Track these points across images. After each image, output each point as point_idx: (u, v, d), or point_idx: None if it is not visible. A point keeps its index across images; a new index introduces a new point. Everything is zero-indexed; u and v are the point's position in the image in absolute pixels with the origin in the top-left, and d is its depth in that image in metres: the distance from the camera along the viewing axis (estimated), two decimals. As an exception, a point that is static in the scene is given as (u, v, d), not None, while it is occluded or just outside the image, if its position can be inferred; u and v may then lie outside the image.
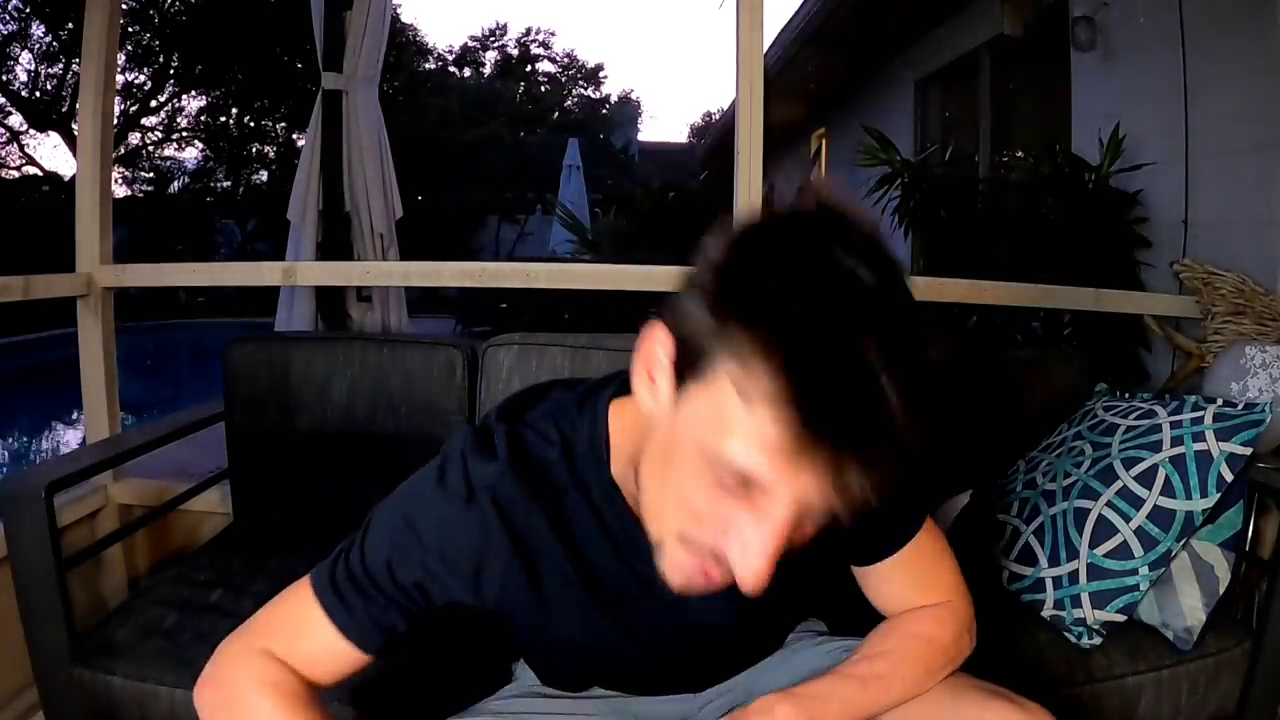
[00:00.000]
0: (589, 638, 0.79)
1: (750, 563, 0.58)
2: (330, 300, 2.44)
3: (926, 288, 2.13)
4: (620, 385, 0.74)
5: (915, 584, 0.85)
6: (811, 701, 0.76)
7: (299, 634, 0.74)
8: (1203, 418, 1.26)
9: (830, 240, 0.56)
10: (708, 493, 0.59)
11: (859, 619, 0.90)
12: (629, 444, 0.70)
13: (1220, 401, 1.28)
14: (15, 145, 11.08)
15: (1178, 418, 1.28)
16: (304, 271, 2.15)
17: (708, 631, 0.81)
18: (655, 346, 0.61)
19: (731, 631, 0.84)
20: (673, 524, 0.62)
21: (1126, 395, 1.49)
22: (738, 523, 0.58)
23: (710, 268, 0.57)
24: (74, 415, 5.27)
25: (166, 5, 11.42)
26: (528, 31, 18.93)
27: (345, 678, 0.76)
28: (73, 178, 2.14)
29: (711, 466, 0.57)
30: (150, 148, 12.53)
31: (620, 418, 0.73)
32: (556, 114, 18.54)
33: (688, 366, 0.58)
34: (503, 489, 0.71)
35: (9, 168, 11.07)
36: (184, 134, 12.69)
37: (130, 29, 10.84)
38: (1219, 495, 1.21)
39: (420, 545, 0.71)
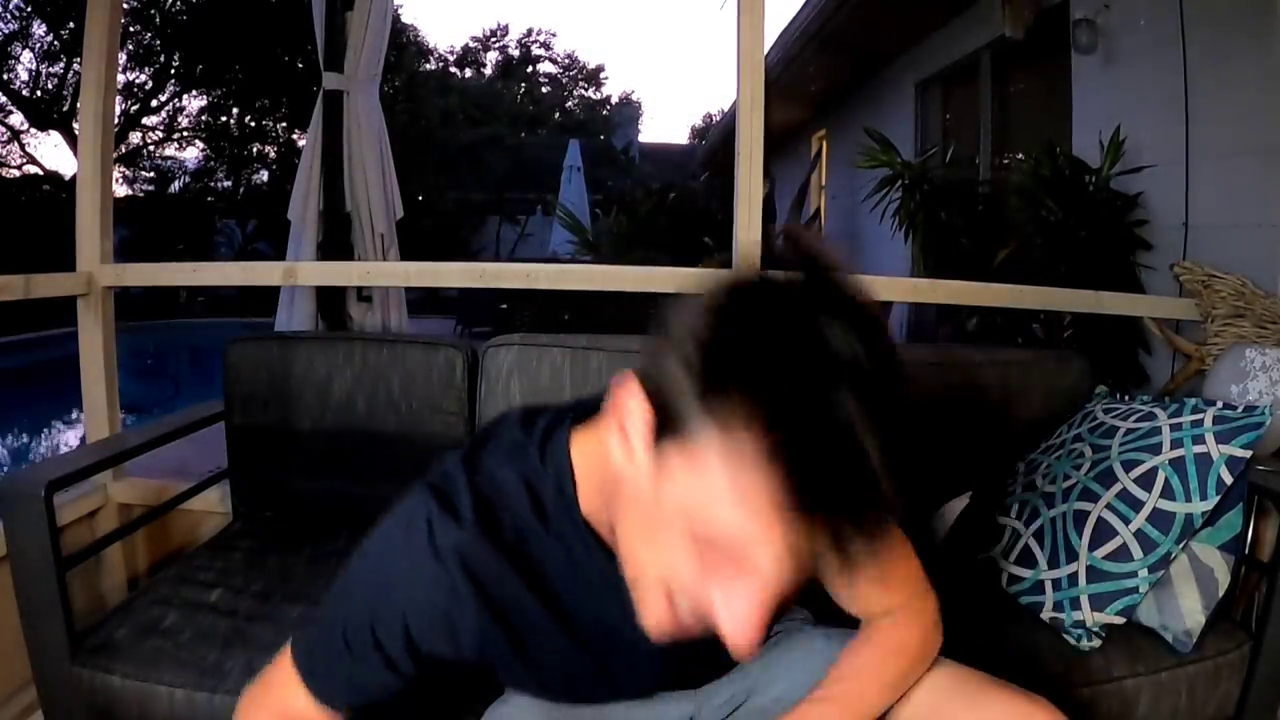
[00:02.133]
0: (574, 675, 0.81)
1: (741, 631, 0.57)
2: (330, 300, 2.44)
3: (927, 289, 2.14)
4: (576, 414, 0.73)
5: (878, 582, 0.86)
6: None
7: (286, 697, 0.77)
8: (1203, 420, 1.26)
9: (816, 307, 0.54)
10: (694, 565, 0.57)
11: (845, 622, 0.91)
12: (596, 477, 0.69)
13: (1220, 404, 1.28)
14: (16, 144, 11.10)
15: (1177, 420, 1.28)
16: (304, 271, 2.16)
17: (695, 650, 0.74)
18: (631, 404, 0.59)
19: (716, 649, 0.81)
20: (654, 575, 0.61)
21: (1126, 397, 1.49)
22: (726, 590, 0.57)
23: (692, 335, 0.55)
24: (74, 415, 5.27)
25: (167, 5, 11.43)
26: (529, 32, 18.99)
27: None
28: (73, 177, 2.14)
29: (697, 540, 0.56)
30: (151, 147, 12.55)
31: (584, 453, 0.71)
32: (557, 115, 18.56)
33: (666, 428, 0.56)
34: (471, 551, 0.70)
35: (10, 167, 11.08)
36: (185, 134, 12.70)
37: (131, 28, 10.86)
38: (1219, 498, 1.21)
39: (397, 606, 0.71)
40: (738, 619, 0.57)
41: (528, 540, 0.72)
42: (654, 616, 0.62)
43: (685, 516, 0.56)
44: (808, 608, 1.04)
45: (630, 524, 0.62)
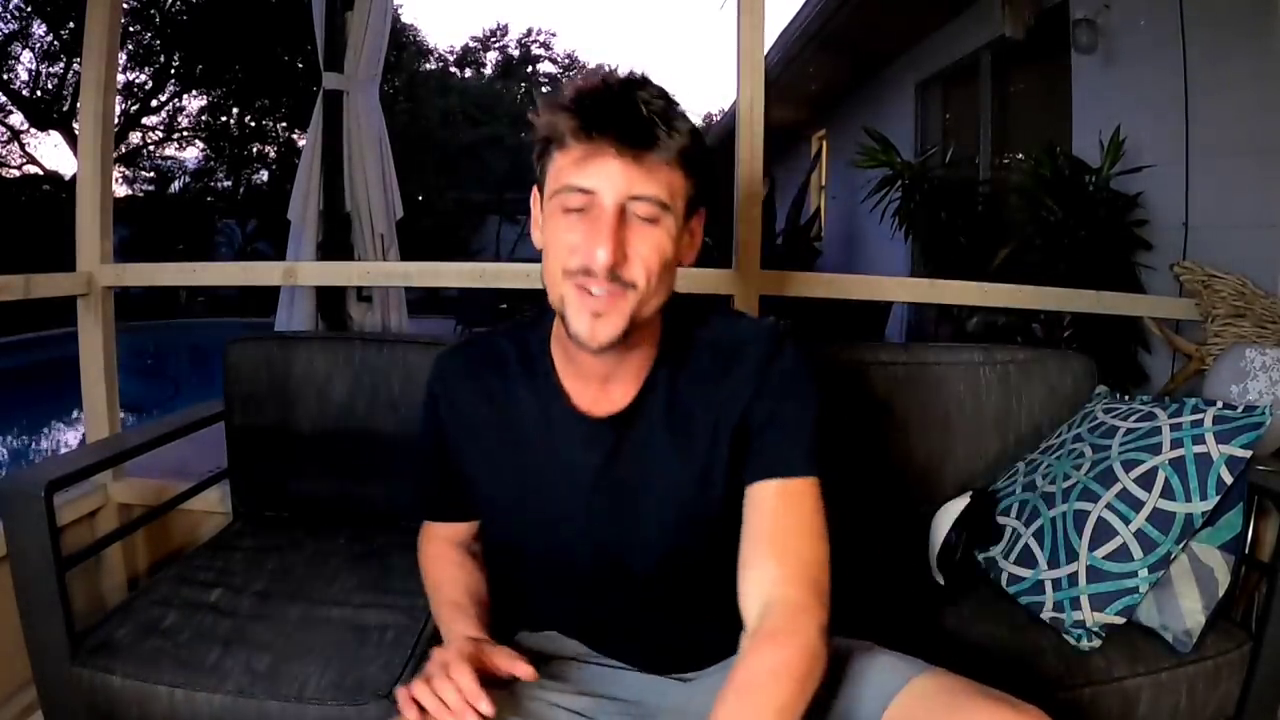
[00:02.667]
0: (524, 499, 0.96)
1: (598, 241, 0.79)
2: (330, 300, 2.44)
3: (927, 289, 2.14)
4: None
5: (780, 539, 0.85)
6: None
7: (431, 533, 1.11)
8: (1203, 420, 1.26)
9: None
10: (564, 228, 0.82)
11: (846, 624, 0.90)
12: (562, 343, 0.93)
13: (1220, 404, 1.28)
14: (16, 144, 11.10)
15: (1177, 420, 1.28)
16: (304, 271, 2.16)
17: (620, 482, 0.92)
18: (532, 204, 0.91)
19: (652, 502, 0.92)
20: (557, 270, 0.83)
21: (1126, 397, 1.49)
22: (584, 232, 0.81)
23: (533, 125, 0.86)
24: (74, 415, 5.27)
25: (167, 5, 11.43)
26: (528, 32, 18.95)
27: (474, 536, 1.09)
28: (73, 177, 2.14)
29: (559, 209, 0.83)
30: (151, 147, 12.55)
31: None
32: (557, 114, 18.53)
33: (542, 182, 0.86)
34: (446, 362, 1.03)
35: (10, 167, 11.09)
36: (184, 134, 12.71)
37: (131, 28, 10.86)
38: (1219, 498, 1.21)
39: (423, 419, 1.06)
40: (596, 239, 0.80)
41: (499, 373, 0.98)
42: (574, 309, 0.83)
43: (551, 200, 0.84)
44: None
45: (544, 262, 0.87)
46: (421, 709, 0.78)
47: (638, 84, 0.82)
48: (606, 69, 0.85)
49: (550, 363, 0.95)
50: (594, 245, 0.79)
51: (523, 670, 0.84)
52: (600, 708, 0.94)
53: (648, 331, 0.89)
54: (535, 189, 0.89)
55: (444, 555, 1.06)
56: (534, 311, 1.00)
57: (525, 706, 0.90)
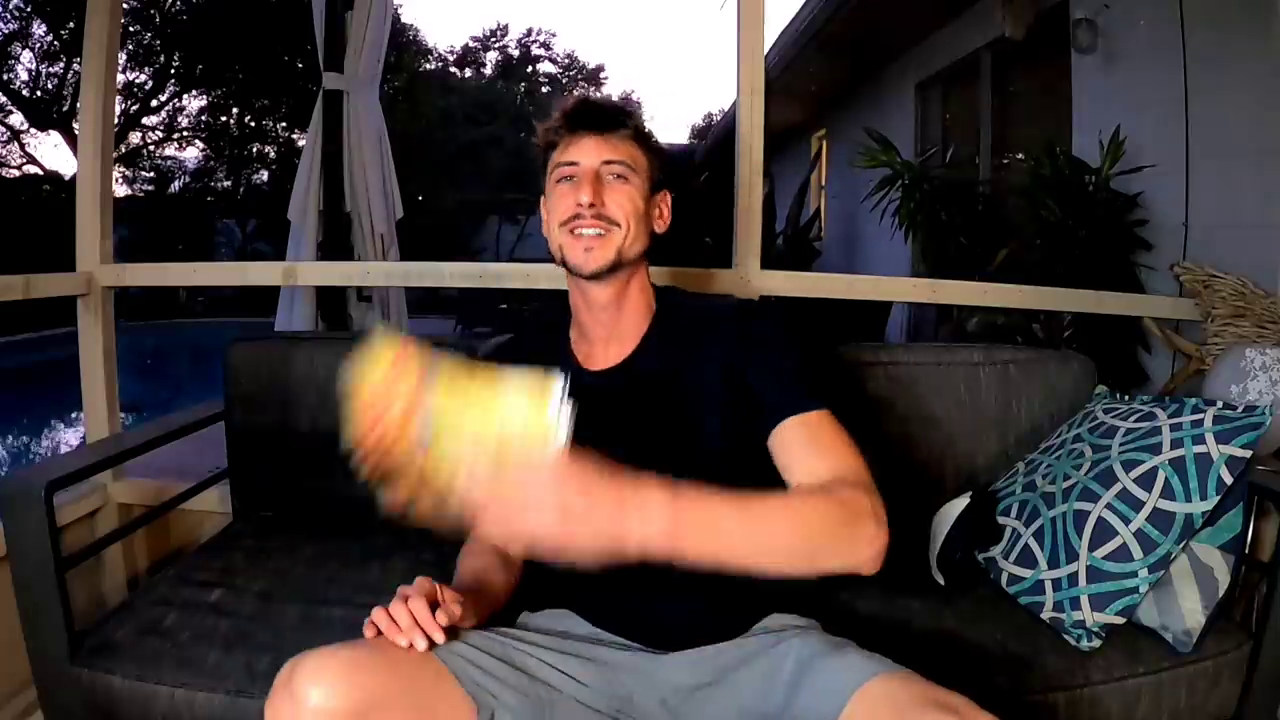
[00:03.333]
0: None
1: (582, 190, 1.04)
2: (330, 300, 2.45)
3: (927, 289, 2.14)
4: None
5: (817, 451, 0.95)
6: (684, 500, 0.80)
7: None
8: (1203, 420, 1.26)
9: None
10: (559, 195, 1.07)
11: (847, 623, 0.90)
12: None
13: (1220, 404, 1.28)
14: (16, 144, 11.10)
15: (1177, 420, 1.28)
16: (304, 271, 2.16)
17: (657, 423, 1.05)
18: (540, 212, 1.15)
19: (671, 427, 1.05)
20: (555, 222, 1.08)
21: (1126, 397, 1.49)
22: (574, 189, 1.05)
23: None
24: (74, 415, 5.27)
25: (167, 5, 11.43)
26: (528, 32, 18.95)
27: None
28: (73, 177, 2.14)
29: (555, 183, 1.08)
30: (151, 147, 12.55)
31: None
32: (557, 114, 18.53)
33: (545, 176, 1.11)
34: (505, 352, 1.22)
35: (10, 167, 11.09)
36: (184, 134, 12.70)
37: (131, 28, 10.86)
38: (1219, 498, 1.21)
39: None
40: (579, 192, 1.04)
41: (544, 352, 1.10)
42: (571, 249, 1.06)
43: (549, 183, 1.10)
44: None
45: (548, 227, 1.12)
46: (379, 632, 0.87)
47: (601, 97, 1.01)
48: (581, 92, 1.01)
49: (567, 336, 1.17)
50: (579, 194, 1.04)
51: (453, 611, 0.89)
52: (584, 669, 0.96)
53: (640, 295, 1.12)
54: (543, 198, 1.13)
55: (472, 549, 1.11)
56: (554, 308, 1.20)
57: (517, 659, 0.94)
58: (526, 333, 1.27)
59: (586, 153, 1.06)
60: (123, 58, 10.65)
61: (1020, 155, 4.74)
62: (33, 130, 11.09)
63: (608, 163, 1.06)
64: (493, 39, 18.77)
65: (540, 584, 1.09)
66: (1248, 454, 1.21)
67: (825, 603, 1.13)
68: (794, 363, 1.04)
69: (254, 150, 13.23)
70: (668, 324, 1.12)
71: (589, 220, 1.04)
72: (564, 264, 1.08)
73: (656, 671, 0.97)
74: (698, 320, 1.10)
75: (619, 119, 1.08)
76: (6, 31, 10.39)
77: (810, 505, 0.87)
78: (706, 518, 0.80)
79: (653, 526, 0.77)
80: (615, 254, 1.05)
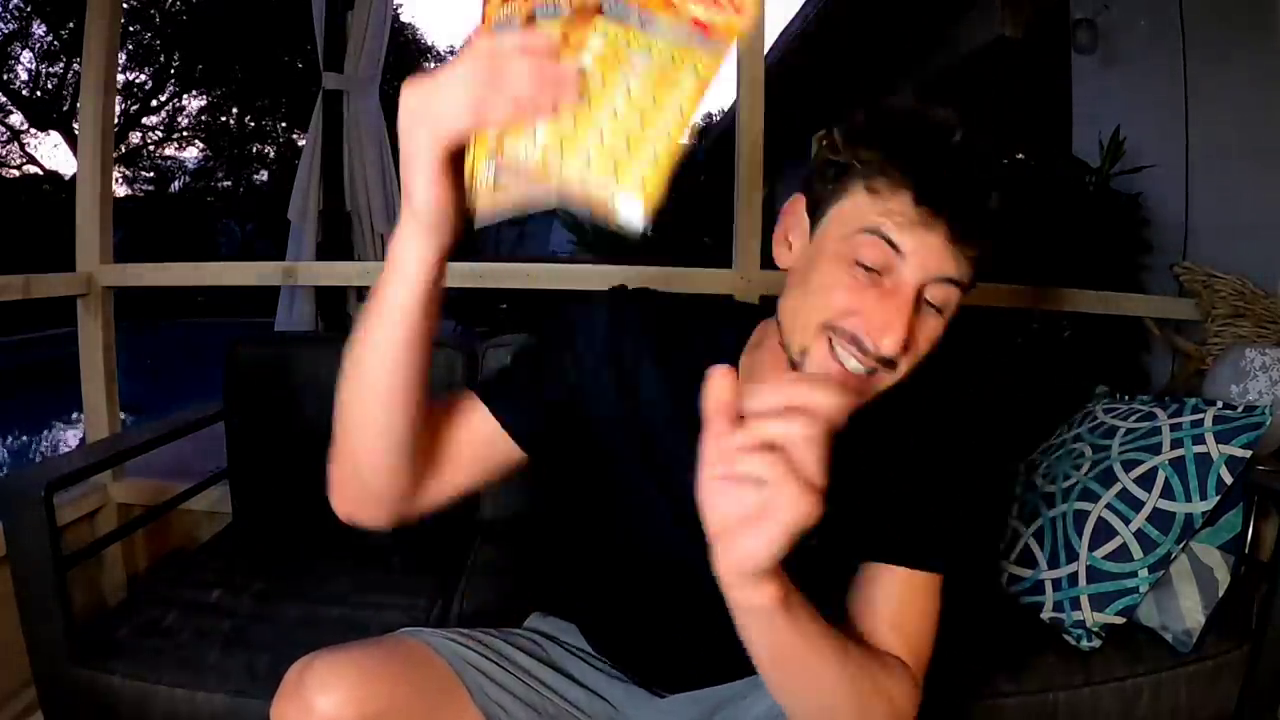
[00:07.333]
0: (652, 491, 0.86)
1: (891, 327, 0.70)
2: (330, 300, 2.45)
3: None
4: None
5: (900, 617, 0.79)
6: (793, 602, 0.64)
7: None
8: (1203, 420, 1.26)
9: (911, 106, 0.76)
10: (845, 281, 0.72)
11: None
12: (753, 351, 0.86)
13: (1220, 404, 1.28)
14: (16, 144, 11.11)
15: (1177, 420, 1.28)
16: (304, 271, 2.16)
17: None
18: (791, 211, 0.80)
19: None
20: (816, 319, 0.73)
21: (1126, 398, 1.49)
22: (872, 303, 0.71)
23: (829, 135, 0.77)
24: (74, 415, 5.27)
25: (167, 5, 11.43)
26: (528, 32, 18.91)
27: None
28: (73, 177, 2.14)
29: (848, 254, 0.72)
30: (150, 147, 12.56)
31: (758, 333, 0.88)
32: (557, 115, 18.53)
33: (821, 204, 0.76)
34: (623, 311, 0.87)
35: (10, 167, 11.09)
36: (184, 133, 12.71)
37: (131, 28, 10.87)
38: (1219, 498, 1.21)
39: (554, 323, 0.88)
40: (886, 319, 0.70)
41: (674, 346, 0.86)
42: (815, 365, 0.74)
43: (839, 240, 0.73)
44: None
45: (792, 290, 0.78)
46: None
47: (980, 151, 0.72)
48: (939, 113, 0.74)
49: (736, 363, 0.86)
50: (884, 328, 0.70)
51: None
52: (592, 703, 0.94)
53: None
54: (801, 198, 0.80)
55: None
56: (738, 314, 0.93)
57: (525, 663, 0.91)
58: (686, 327, 0.89)
59: (924, 254, 0.70)
60: (123, 58, 10.66)
61: (1020, 155, 4.74)
62: (33, 130, 11.11)
63: (940, 279, 0.72)
64: (492, 39, 18.75)
65: (553, 590, 1.06)
66: (1248, 454, 1.21)
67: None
68: (941, 502, 0.83)
69: (254, 150, 13.24)
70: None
71: (868, 359, 0.72)
72: (790, 360, 0.76)
73: (650, 713, 0.95)
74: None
75: (993, 220, 0.72)
76: (6, 31, 10.40)
77: (866, 685, 0.71)
78: (801, 617, 0.65)
79: (764, 589, 0.60)
80: (869, 397, 0.74)
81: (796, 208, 0.80)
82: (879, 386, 0.75)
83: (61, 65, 10.87)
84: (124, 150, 11.77)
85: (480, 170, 0.60)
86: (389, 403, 0.73)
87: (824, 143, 0.77)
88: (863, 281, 0.71)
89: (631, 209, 0.55)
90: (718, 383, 0.54)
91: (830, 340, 0.72)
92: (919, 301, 0.72)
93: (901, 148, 0.72)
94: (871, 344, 0.71)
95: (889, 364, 0.72)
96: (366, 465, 0.75)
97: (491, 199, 0.60)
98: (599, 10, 0.57)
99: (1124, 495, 1.25)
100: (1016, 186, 0.70)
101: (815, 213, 0.77)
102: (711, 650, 0.87)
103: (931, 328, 0.74)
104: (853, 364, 0.72)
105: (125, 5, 2.03)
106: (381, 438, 0.73)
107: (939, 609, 0.81)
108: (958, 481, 0.85)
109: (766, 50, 1.92)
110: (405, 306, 0.68)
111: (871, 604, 0.80)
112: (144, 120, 12.12)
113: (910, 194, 0.70)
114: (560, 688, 0.93)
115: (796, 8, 6.30)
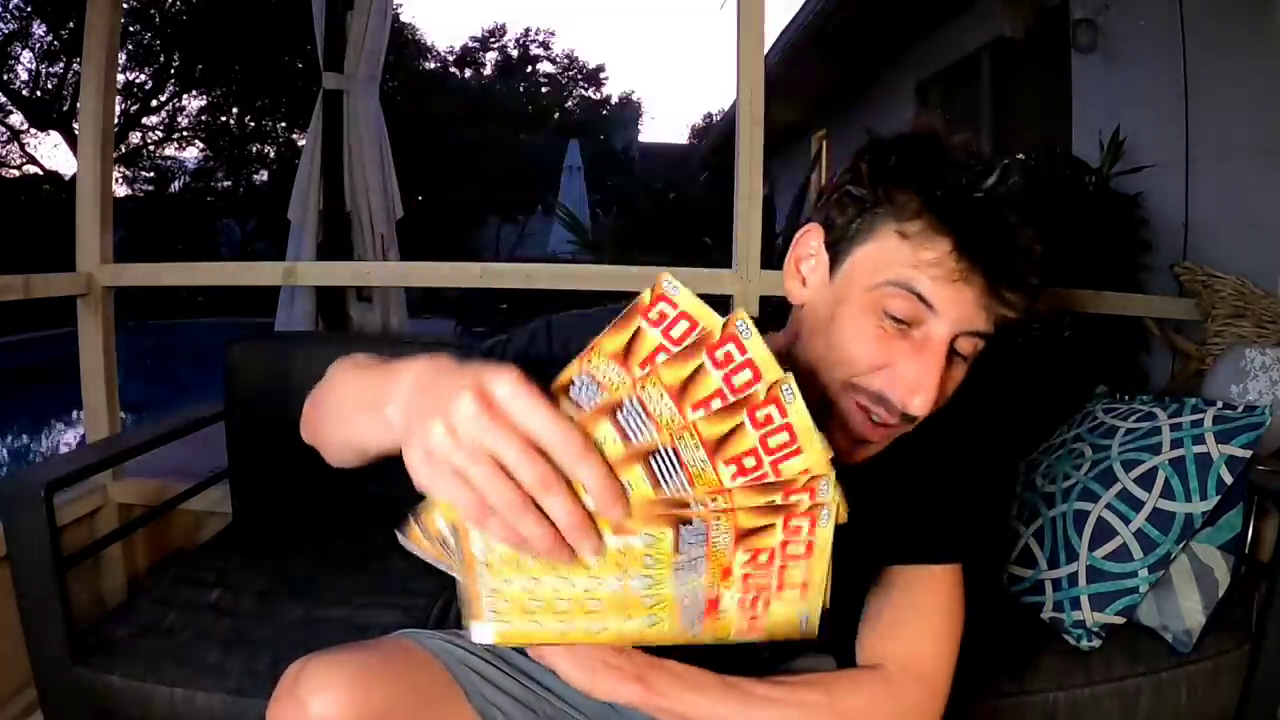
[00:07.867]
0: None
1: (922, 385, 0.67)
2: (330, 300, 2.44)
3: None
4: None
5: (907, 616, 0.79)
6: (661, 689, 0.68)
7: None
8: (1203, 420, 1.26)
9: (939, 137, 0.71)
10: (872, 334, 0.68)
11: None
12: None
13: (1220, 404, 1.28)
14: (16, 144, 11.09)
15: (1177, 420, 1.28)
16: (304, 271, 2.15)
17: None
18: (806, 242, 0.75)
19: None
20: (839, 375, 0.70)
21: (1126, 397, 1.49)
22: (901, 359, 0.68)
23: (854, 167, 0.72)
24: (74, 415, 5.27)
25: (167, 5, 11.43)
26: (527, 32, 18.89)
27: None
28: (73, 177, 2.14)
29: (876, 305, 0.68)
30: (150, 147, 12.54)
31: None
32: (557, 115, 18.52)
33: (843, 242, 0.72)
34: (551, 342, 0.79)
35: (9, 167, 11.08)
36: (184, 133, 12.70)
37: (131, 28, 10.85)
38: (1219, 498, 1.21)
39: (549, 332, 0.79)
40: (916, 378, 0.67)
41: None
42: (841, 424, 0.70)
43: (866, 290, 0.68)
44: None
45: (815, 344, 0.73)
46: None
47: (1015, 207, 0.68)
48: (972, 149, 0.70)
49: None
50: (915, 389, 0.67)
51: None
52: (588, 702, 0.94)
53: None
54: (818, 228, 0.74)
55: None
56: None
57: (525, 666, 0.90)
58: None
59: (957, 310, 0.67)
60: (123, 58, 10.65)
61: (1020, 155, 4.74)
62: (33, 130, 11.09)
63: (969, 333, 0.69)
64: (492, 39, 18.75)
65: None
66: (1248, 454, 1.21)
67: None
68: (955, 505, 0.83)
69: (254, 150, 13.23)
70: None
71: (897, 423, 0.70)
72: (811, 411, 0.74)
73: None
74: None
75: (1028, 279, 0.69)
76: (6, 31, 10.39)
77: (793, 714, 0.70)
78: (679, 699, 0.69)
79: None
80: (883, 447, 0.74)
81: (812, 239, 0.75)
82: (895, 435, 0.73)
83: (61, 65, 10.86)
84: (124, 150, 11.75)
85: (435, 525, 0.55)
86: (354, 447, 0.68)
87: (847, 174, 0.72)
88: (890, 333, 0.68)
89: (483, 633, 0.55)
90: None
91: (857, 403, 0.70)
92: (952, 354, 0.69)
93: (941, 191, 0.66)
94: (899, 402, 0.68)
95: (914, 418, 0.70)
96: (335, 457, 0.74)
97: (433, 548, 0.56)
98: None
99: (1124, 495, 1.25)
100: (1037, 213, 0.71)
101: (835, 249, 0.73)
102: (707, 649, 0.87)
103: (957, 377, 0.72)
104: (878, 419, 0.70)
105: (125, 5, 2.03)
106: (348, 449, 0.70)
107: (959, 599, 0.81)
108: (969, 479, 0.86)
109: (767, 50, 1.92)
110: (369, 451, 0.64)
111: (871, 614, 0.81)
112: (144, 120, 12.11)
113: (950, 243, 0.65)
114: (556, 688, 0.93)
115: (796, 8, 6.30)
